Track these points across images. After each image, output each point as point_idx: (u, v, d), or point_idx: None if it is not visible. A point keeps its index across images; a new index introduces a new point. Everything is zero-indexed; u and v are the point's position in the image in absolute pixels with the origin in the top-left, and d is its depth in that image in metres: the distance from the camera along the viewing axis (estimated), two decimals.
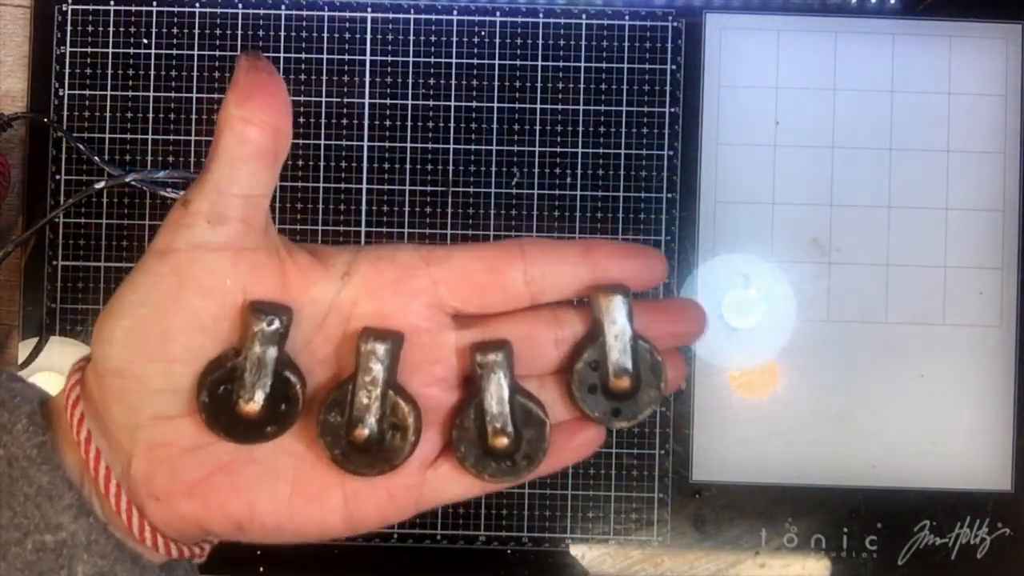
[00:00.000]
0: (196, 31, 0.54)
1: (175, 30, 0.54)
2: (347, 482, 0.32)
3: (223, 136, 0.31)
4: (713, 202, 0.54)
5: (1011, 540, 0.53)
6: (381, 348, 0.31)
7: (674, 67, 0.54)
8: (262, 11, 0.54)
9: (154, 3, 0.54)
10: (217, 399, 0.31)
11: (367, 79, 0.54)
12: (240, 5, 0.54)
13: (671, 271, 0.54)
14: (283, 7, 0.54)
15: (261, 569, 0.53)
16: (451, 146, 0.54)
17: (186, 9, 0.54)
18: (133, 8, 0.54)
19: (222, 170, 0.31)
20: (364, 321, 0.32)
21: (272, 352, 0.31)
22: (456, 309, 0.33)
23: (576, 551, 0.54)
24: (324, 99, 0.54)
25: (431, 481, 0.33)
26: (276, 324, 0.30)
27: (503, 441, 0.32)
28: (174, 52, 0.54)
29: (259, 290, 0.31)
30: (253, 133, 0.30)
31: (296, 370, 0.31)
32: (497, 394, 0.32)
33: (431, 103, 0.54)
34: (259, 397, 0.31)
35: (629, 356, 0.32)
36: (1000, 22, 0.55)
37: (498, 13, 0.54)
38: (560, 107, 0.54)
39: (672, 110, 0.54)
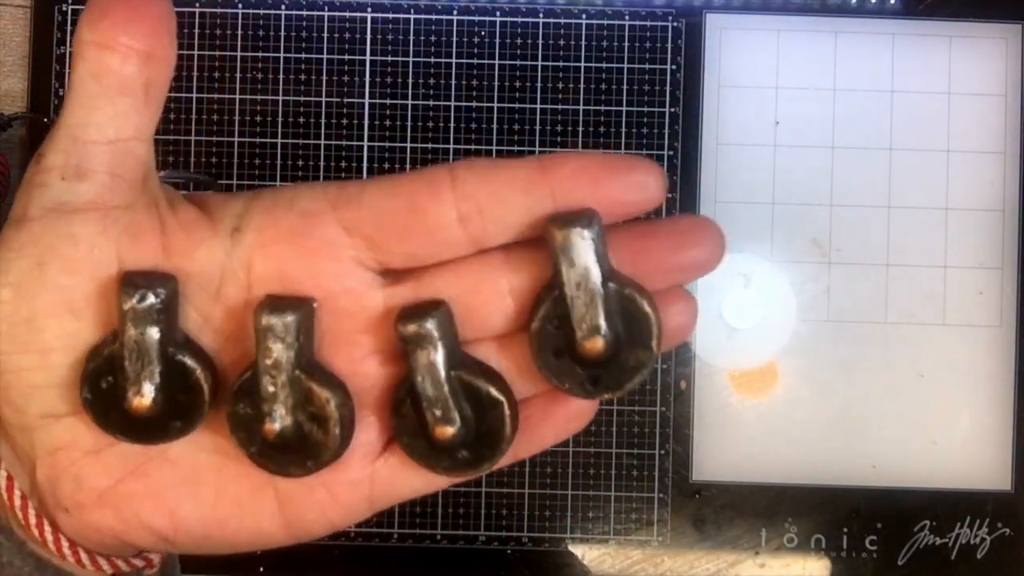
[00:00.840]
0: (196, 31, 0.54)
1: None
2: (279, 482, 0.27)
3: (76, 70, 0.25)
4: (713, 202, 0.54)
5: (1011, 540, 0.53)
6: (280, 323, 0.25)
7: (674, 67, 0.54)
8: (262, 11, 0.54)
9: None
10: (102, 395, 0.25)
11: (367, 79, 0.54)
12: (240, 5, 0.54)
13: None
14: (283, 7, 0.54)
15: (261, 569, 0.53)
16: (451, 146, 0.54)
17: (186, 9, 0.54)
18: None
19: (76, 113, 0.25)
20: (266, 287, 0.26)
21: (152, 333, 0.25)
22: (379, 262, 0.26)
23: (576, 551, 0.54)
24: (324, 99, 0.54)
25: (382, 474, 0.27)
26: (151, 299, 0.25)
27: (448, 431, 0.25)
28: None
29: (136, 257, 0.25)
30: (113, 62, 0.25)
31: (197, 352, 0.26)
32: (430, 375, 0.25)
33: (431, 103, 0.54)
34: (148, 390, 0.25)
35: (600, 310, 0.24)
36: (1000, 22, 0.55)
37: (498, 13, 0.54)
38: (560, 107, 0.54)
39: (672, 110, 0.54)
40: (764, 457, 0.54)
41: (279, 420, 0.25)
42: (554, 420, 0.27)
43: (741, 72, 0.55)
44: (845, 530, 0.53)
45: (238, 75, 0.54)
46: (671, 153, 0.54)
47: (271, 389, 0.25)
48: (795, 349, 0.54)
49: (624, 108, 0.54)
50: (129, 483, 0.27)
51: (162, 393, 0.26)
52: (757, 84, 0.55)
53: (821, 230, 0.54)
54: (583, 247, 0.24)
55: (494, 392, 0.26)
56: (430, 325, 0.25)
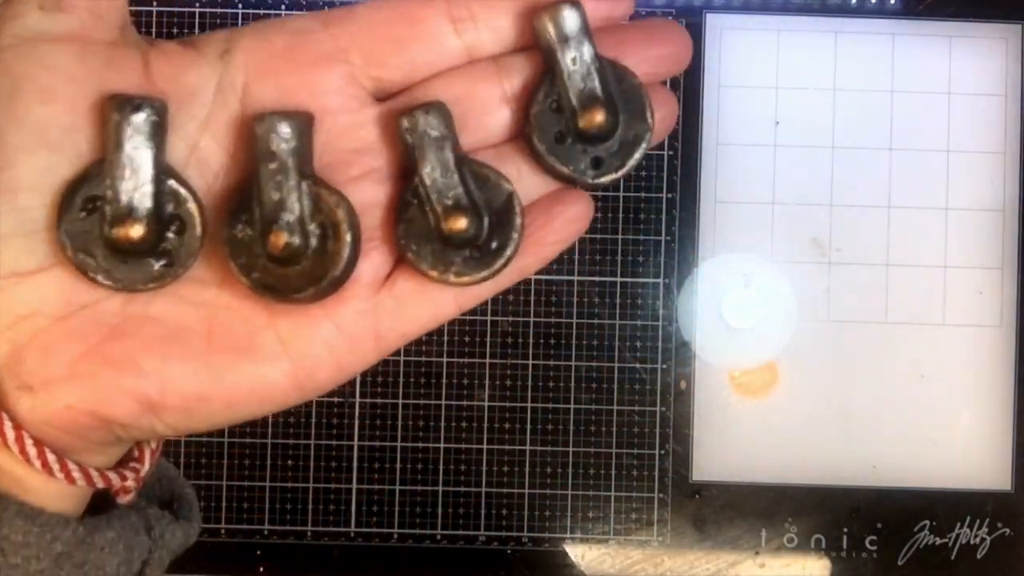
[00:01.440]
0: (196, 31, 0.54)
1: (175, 30, 0.54)
2: (280, 319, 0.25)
3: None
4: (713, 202, 0.54)
5: (1011, 540, 0.53)
6: (284, 126, 0.24)
7: None
8: (262, 11, 0.54)
9: (154, 3, 0.54)
10: (83, 227, 0.23)
11: None
12: (240, 5, 0.54)
13: (672, 271, 0.54)
14: (283, 7, 0.54)
15: (261, 569, 0.53)
16: None
17: (186, 9, 0.54)
18: (133, 8, 0.54)
19: None
20: (260, 108, 0.25)
21: (147, 150, 0.23)
22: (376, 79, 0.25)
23: (576, 551, 0.54)
24: None
25: (387, 305, 0.25)
26: (146, 111, 0.23)
27: (461, 221, 0.24)
28: None
29: (119, 87, 0.24)
30: None
31: (185, 183, 0.24)
32: (439, 161, 0.24)
33: None
34: (140, 212, 0.23)
35: (596, 79, 0.25)
36: (1000, 22, 0.55)
37: None
38: None
39: None
40: (764, 457, 0.54)
41: (287, 228, 0.24)
42: (556, 223, 0.26)
43: (741, 72, 0.55)
44: (845, 530, 0.53)
45: None
46: (671, 153, 0.54)
47: (276, 196, 0.24)
48: (795, 349, 0.54)
49: None
50: (105, 347, 0.24)
51: (154, 223, 0.23)
52: (757, 84, 0.55)
53: (821, 230, 0.54)
54: (574, 21, 0.24)
55: (502, 181, 0.25)
56: (433, 115, 0.24)
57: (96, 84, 0.24)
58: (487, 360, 0.54)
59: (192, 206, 0.24)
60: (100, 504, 0.27)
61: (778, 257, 0.54)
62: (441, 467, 0.54)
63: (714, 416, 0.54)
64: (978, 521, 0.53)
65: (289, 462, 0.53)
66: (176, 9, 0.54)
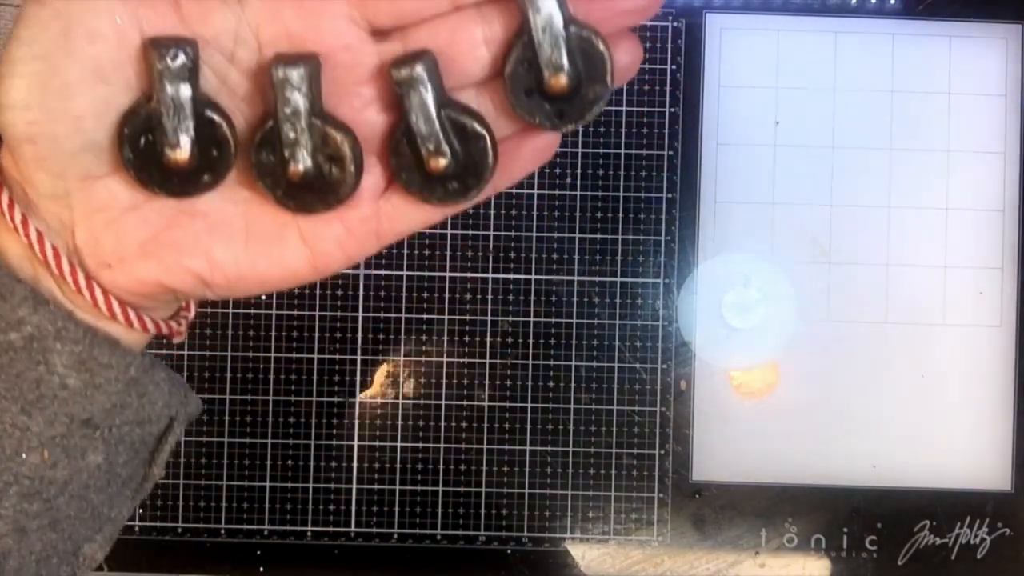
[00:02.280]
0: None
1: None
2: (301, 220, 0.31)
3: None
4: (713, 202, 0.54)
5: (1011, 540, 0.53)
6: (295, 74, 0.28)
7: (674, 67, 0.54)
8: None
9: None
10: (142, 153, 0.29)
11: None
12: None
13: (672, 271, 0.54)
14: None
15: (261, 569, 0.53)
16: None
17: None
18: None
19: None
20: (275, 47, 0.29)
21: (186, 90, 0.28)
22: (370, 22, 0.29)
23: (576, 551, 0.54)
24: None
25: (386, 211, 0.31)
26: (182, 58, 0.28)
27: (441, 163, 0.29)
28: None
29: (156, 24, 0.28)
30: None
31: (219, 109, 0.29)
32: (423, 112, 0.29)
33: None
34: (185, 142, 0.28)
35: (562, 50, 0.28)
36: (1000, 22, 0.55)
37: None
38: None
39: (672, 110, 0.54)
40: (764, 457, 0.54)
41: (302, 162, 0.29)
42: (525, 152, 0.31)
43: (741, 72, 0.55)
44: (845, 530, 0.53)
45: None
46: (671, 153, 0.54)
47: (292, 135, 0.29)
48: (795, 349, 0.54)
49: (624, 108, 0.54)
50: (166, 233, 0.30)
51: (196, 149, 0.29)
52: (757, 84, 0.55)
53: (821, 230, 0.54)
54: None
55: (478, 127, 0.29)
56: (420, 68, 0.28)
57: (136, 24, 0.28)
58: (487, 360, 0.54)
59: (225, 130, 0.29)
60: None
61: (778, 257, 0.54)
62: (441, 467, 0.54)
63: (714, 416, 0.54)
64: (978, 521, 0.53)
65: (289, 462, 0.53)
66: None
